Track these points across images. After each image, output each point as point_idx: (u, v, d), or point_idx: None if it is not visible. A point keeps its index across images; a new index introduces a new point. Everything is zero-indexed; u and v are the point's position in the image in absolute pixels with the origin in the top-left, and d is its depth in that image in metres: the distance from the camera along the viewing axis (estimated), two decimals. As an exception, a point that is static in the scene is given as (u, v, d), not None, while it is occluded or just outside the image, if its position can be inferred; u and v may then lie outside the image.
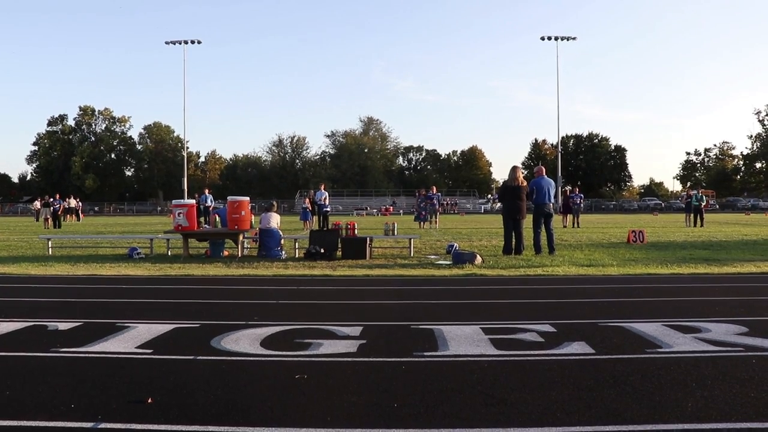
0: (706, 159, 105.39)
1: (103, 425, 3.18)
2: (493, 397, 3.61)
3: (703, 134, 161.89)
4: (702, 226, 26.79)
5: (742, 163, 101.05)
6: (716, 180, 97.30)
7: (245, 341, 5.08)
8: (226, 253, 13.56)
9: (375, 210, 71.48)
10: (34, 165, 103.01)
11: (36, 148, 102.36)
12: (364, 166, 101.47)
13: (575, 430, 3.09)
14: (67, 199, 42.91)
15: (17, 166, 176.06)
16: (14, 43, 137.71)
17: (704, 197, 29.49)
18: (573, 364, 4.32)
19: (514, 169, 13.17)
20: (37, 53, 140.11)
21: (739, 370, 4.11)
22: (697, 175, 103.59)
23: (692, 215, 28.19)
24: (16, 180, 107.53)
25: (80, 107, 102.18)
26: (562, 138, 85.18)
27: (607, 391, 3.68)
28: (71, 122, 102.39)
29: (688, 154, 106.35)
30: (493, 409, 3.39)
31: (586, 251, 13.82)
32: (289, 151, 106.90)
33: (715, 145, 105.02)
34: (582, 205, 29.05)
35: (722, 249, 14.38)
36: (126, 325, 5.81)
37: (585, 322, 5.83)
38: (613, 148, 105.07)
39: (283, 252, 13.25)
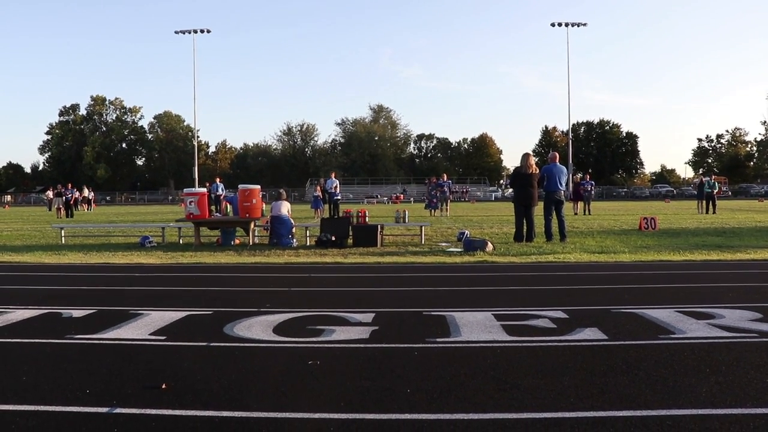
0: (718, 145, 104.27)
1: (118, 410, 3.21)
2: (506, 382, 3.61)
3: (716, 120, 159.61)
4: (714, 212, 26.60)
5: (755, 149, 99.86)
6: (729, 166, 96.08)
7: (258, 328, 5.10)
8: (237, 241, 13.61)
9: (385, 198, 71.25)
10: (47, 155, 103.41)
11: (48, 138, 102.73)
12: (374, 154, 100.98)
13: (588, 415, 3.09)
14: (81, 190, 43.21)
15: (30, 156, 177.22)
16: (27, 35, 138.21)
17: (717, 184, 29.26)
18: (585, 350, 4.31)
19: (526, 156, 13.10)
20: (49, 44, 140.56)
21: (753, 356, 4.09)
22: (709, 161, 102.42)
23: (704, 202, 27.99)
24: (28, 170, 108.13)
25: (92, 97, 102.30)
26: (573, 125, 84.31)
27: (620, 377, 3.68)
28: (83, 112, 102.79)
29: (700, 140, 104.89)
30: (505, 395, 3.39)
31: (598, 238, 13.76)
32: (299, 139, 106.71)
33: (727, 131, 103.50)
34: (593, 192, 28.84)
35: (735, 236, 14.27)
36: (139, 312, 5.85)
37: (597, 309, 5.81)
38: (624, 134, 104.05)
39: (294, 240, 13.27)
